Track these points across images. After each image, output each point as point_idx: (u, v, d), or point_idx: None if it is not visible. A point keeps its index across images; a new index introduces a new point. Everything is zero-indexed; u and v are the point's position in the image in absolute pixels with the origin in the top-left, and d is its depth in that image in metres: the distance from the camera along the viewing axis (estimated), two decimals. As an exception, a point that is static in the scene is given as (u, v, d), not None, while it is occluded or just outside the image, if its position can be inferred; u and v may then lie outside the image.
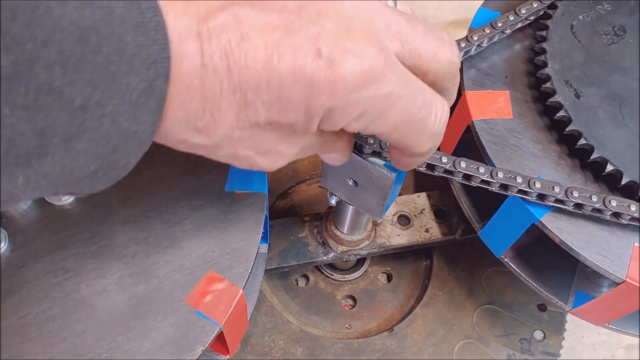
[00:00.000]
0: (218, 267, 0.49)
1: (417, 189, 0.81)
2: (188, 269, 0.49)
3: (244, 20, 0.30)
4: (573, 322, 0.84)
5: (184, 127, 0.31)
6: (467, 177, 0.50)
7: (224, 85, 0.30)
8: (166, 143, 0.33)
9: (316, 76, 0.30)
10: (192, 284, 0.48)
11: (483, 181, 0.51)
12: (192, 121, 0.31)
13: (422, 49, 0.34)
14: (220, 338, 0.49)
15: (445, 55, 0.34)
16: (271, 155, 0.35)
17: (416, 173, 0.82)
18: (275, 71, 0.30)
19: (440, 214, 0.74)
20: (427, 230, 0.73)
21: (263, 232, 0.53)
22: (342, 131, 0.35)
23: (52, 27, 0.24)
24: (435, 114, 0.34)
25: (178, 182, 0.53)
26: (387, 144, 0.45)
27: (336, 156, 0.42)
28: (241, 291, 0.48)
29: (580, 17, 0.60)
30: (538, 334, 0.73)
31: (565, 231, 0.52)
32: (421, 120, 0.34)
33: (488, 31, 0.59)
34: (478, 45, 0.59)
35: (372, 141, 0.47)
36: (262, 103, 0.31)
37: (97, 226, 0.50)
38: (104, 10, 0.26)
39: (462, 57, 0.60)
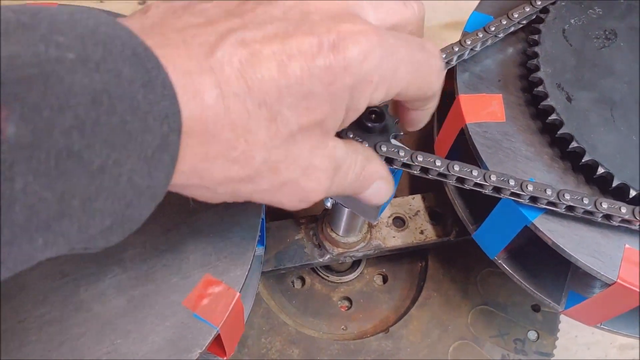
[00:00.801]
0: (215, 271, 0.50)
1: (412, 190, 0.82)
2: (185, 273, 0.49)
3: (245, 39, 0.31)
4: (567, 322, 0.85)
5: (221, 163, 0.32)
6: (460, 180, 0.51)
7: (247, 105, 0.31)
8: (205, 189, 0.34)
9: (327, 63, 0.32)
10: (189, 287, 0.49)
11: (476, 184, 0.51)
12: (227, 153, 0.32)
13: (394, 9, 0.38)
14: (217, 340, 0.50)
15: (414, 7, 0.39)
16: (312, 172, 0.36)
17: (411, 176, 0.83)
18: (291, 73, 0.32)
19: (435, 216, 0.75)
20: (422, 232, 0.73)
21: (259, 236, 0.54)
22: (369, 151, 0.40)
23: (65, 93, 0.25)
24: (429, 51, 0.38)
25: (175, 186, 0.53)
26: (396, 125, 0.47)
27: (380, 185, 0.43)
28: (238, 294, 0.49)
29: (572, 21, 0.61)
30: (532, 335, 0.74)
31: (557, 233, 0.53)
32: (426, 60, 0.38)
33: (481, 35, 0.60)
34: (471, 49, 0.60)
35: (366, 144, 0.47)
36: (289, 107, 0.32)
37: (95, 230, 0.51)
38: (111, 74, 0.26)
39: (456, 61, 0.60)
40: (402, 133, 0.49)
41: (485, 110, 0.59)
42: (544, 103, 0.56)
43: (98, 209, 0.28)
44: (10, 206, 0.24)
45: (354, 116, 0.36)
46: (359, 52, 0.33)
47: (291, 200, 0.37)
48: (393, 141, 0.49)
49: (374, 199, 0.44)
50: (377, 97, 0.36)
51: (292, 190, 0.36)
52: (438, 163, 0.50)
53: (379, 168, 0.43)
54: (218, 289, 0.49)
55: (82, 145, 0.25)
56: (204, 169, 0.32)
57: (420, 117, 0.45)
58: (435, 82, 0.39)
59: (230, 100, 0.31)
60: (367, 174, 0.41)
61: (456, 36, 0.63)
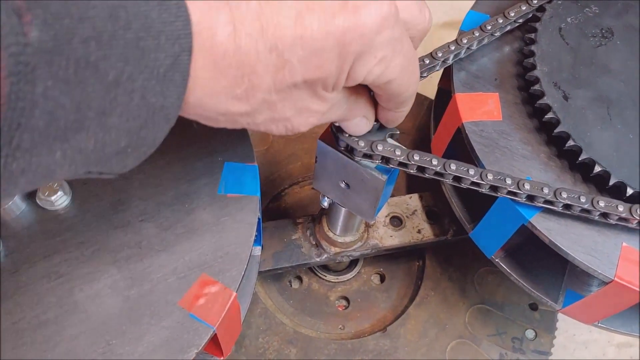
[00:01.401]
0: (211, 271, 0.50)
1: (410, 190, 0.82)
2: (181, 273, 0.49)
3: None
4: (565, 321, 0.85)
5: (224, 97, 0.33)
6: (457, 179, 0.51)
7: (259, 46, 0.32)
8: (207, 118, 0.35)
9: (345, 24, 0.33)
10: (185, 287, 0.49)
11: (473, 183, 0.51)
12: (231, 89, 0.33)
13: (411, 7, 0.39)
14: (214, 340, 0.50)
15: (426, 15, 0.41)
16: (305, 113, 0.38)
17: (408, 175, 0.83)
18: (308, 25, 0.32)
19: (432, 215, 0.75)
20: (419, 231, 0.73)
21: (256, 235, 0.53)
22: (361, 91, 0.41)
23: (84, 5, 0.25)
24: (416, 58, 0.40)
25: (170, 186, 0.53)
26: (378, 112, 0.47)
27: (361, 121, 0.45)
28: (234, 294, 0.49)
29: (569, 19, 0.61)
30: (530, 333, 0.74)
31: (555, 231, 0.53)
32: (415, 63, 0.40)
33: (477, 34, 0.60)
34: (468, 48, 0.60)
35: (362, 144, 0.47)
36: (299, 59, 0.33)
37: (90, 231, 0.51)
38: None
39: (452, 60, 0.60)
40: (397, 132, 0.49)
41: (481, 108, 0.59)
42: (540, 102, 0.56)
43: (113, 125, 0.29)
44: (31, 110, 0.25)
45: (350, 83, 0.37)
46: (377, 25, 0.34)
47: (280, 131, 0.39)
48: (389, 140, 0.49)
49: (353, 129, 0.46)
50: (374, 73, 0.36)
51: (283, 124, 0.38)
52: (434, 162, 0.50)
53: (365, 108, 0.44)
54: (214, 288, 0.49)
55: (99, 56, 0.26)
56: (209, 102, 0.33)
57: (395, 118, 0.46)
58: (414, 86, 0.41)
59: (242, 40, 0.31)
60: (353, 112, 0.43)
61: (453, 35, 0.63)
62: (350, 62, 0.35)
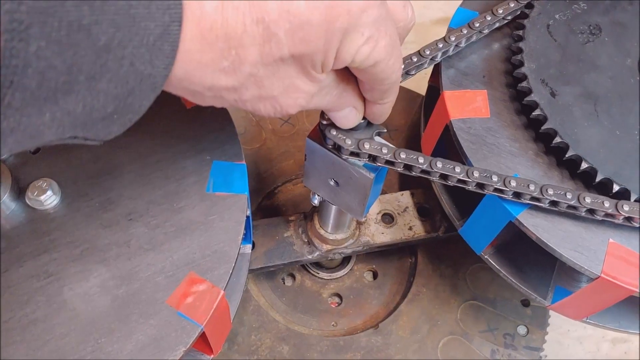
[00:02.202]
0: (199, 269, 0.50)
1: (402, 187, 0.82)
2: (170, 271, 0.50)
3: None
4: (559, 317, 0.85)
5: (210, 70, 0.33)
6: (443, 176, 0.51)
7: (246, 19, 0.32)
8: (194, 93, 0.35)
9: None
10: (173, 285, 0.49)
11: (459, 180, 0.51)
12: (218, 62, 0.33)
13: (395, 3, 0.40)
14: (203, 338, 0.50)
15: (409, 13, 0.42)
16: (292, 92, 0.38)
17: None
18: None
19: (423, 212, 0.75)
20: (410, 228, 0.73)
21: (245, 233, 0.54)
22: (351, 81, 0.41)
23: None
24: (400, 47, 0.41)
25: (159, 185, 0.54)
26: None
27: (351, 112, 0.45)
28: (222, 292, 0.49)
29: (557, 16, 0.61)
30: (521, 329, 0.74)
31: (542, 228, 0.53)
32: (399, 49, 0.40)
33: (465, 31, 0.60)
34: (456, 45, 0.60)
35: (349, 142, 0.47)
36: (285, 32, 0.33)
37: (79, 230, 0.51)
38: None
39: (440, 57, 0.60)
40: (385, 130, 0.50)
41: (469, 106, 0.59)
42: (527, 98, 0.57)
43: (102, 90, 0.29)
44: (24, 69, 0.25)
45: (339, 64, 0.38)
46: (364, 2, 0.34)
47: (268, 111, 0.39)
48: (377, 138, 0.49)
49: (342, 121, 0.46)
50: (363, 53, 0.37)
51: (271, 103, 0.38)
52: (421, 160, 0.50)
53: (354, 98, 0.44)
54: (202, 287, 0.49)
55: (91, 21, 0.27)
56: (195, 75, 0.34)
57: (381, 111, 0.46)
58: (398, 72, 0.42)
59: (229, 12, 0.32)
60: (343, 99, 0.43)
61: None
62: (338, 39, 0.35)
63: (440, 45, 0.59)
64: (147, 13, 0.29)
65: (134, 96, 0.31)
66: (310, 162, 0.53)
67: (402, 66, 0.43)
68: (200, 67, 0.33)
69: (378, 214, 0.74)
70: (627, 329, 0.61)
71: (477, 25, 0.60)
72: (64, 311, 0.47)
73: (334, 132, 0.48)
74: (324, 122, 0.48)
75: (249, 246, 0.62)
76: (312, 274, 0.77)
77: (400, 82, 0.57)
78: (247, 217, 0.55)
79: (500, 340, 0.73)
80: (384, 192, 0.78)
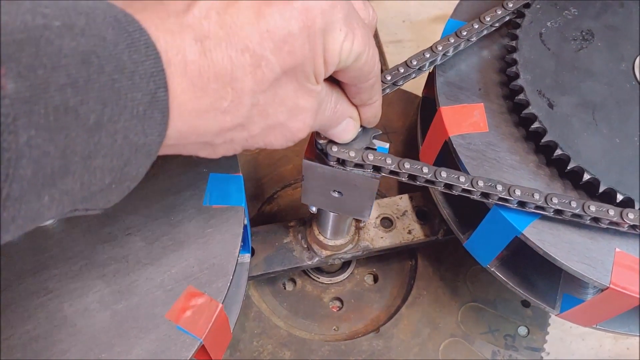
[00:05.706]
0: (197, 282, 0.50)
1: (401, 190, 0.82)
2: (168, 285, 0.50)
3: None
4: (560, 314, 0.85)
5: (212, 115, 0.34)
6: (448, 186, 0.51)
7: (230, 53, 0.33)
8: (204, 145, 0.36)
9: (304, 5, 0.34)
10: (172, 299, 0.49)
11: (464, 190, 0.51)
12: (217, 104, 0.34)
13: (356, 3, 0.40)
14: (204, 350, 0.50)
15: (370, 11, 0.43)
16: (298, 114, 0.38)
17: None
18: (269, 15, 0.33)
19: (422, 215, 0.75)
20: (409, 232, 0.74)
21: (242, 244, 0.54)
22: (341, 90, 0.42)
23: (56, 54, 0.26)
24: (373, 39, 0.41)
25: (156, 199, 0.54)
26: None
27: (349, 123, 0.45)
28: (220, 305, 0.49)
29: (549, 23, 0.60)
30: (522, 330, 0.74)
31: (548, 242, 0.53)
32: (372, 39, 0.40)
33: (452, 40, 0.59)
34: (444, 54, 0.59)
35: (353, 154, 0.48)
36: (271, 52, 0.34)
37: (77, 246, 0.51)
38: (96, 38, 0.28)
39: (428, 67, 0.59)
40: (380, 132, 0.50)
41: (467, 121, 0.58)
42: (525, 111, 0.56)
43: (98, 166, 0.29)
44: (17, 160, 0.26)
45: (329, 69, 0.38)
46: (330, 2, 0.35)
47: (280, 141, 0.40)
48: (375, 141, 0.49)
49: (342, 135, 0.46)
50: (346, 48, 0.37)
51: (281, 131, 0.39)
52: (425, 170, 0.50)
53: (349, 107, 0.45)
54: (201, 300, 0.49)
55: (77, 102, 0.27)
56: (200, 125, 0.34)
57: (374, 112, 0.47)
58: (378, 63, 0.42)
59: (213, 53, 0.32)
60: (339, 111, 0.44)
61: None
62: (321, 42, 0.36)
63: (427, 55, 0.58)
64: (132, 84, 0.29)
65: (130, 166, 0.31)
66: (309, 181, 0.53)
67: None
68: (201, 115, 0.33)
69: (377, 218, 0.74)
70: (637, 333, 0.61)
71: (464, 33, 0.59)
72: (64, 327, 0.48)
73: (335, 149, 0.48)
74: (321, 142, 0.48)
75: (248, 255, 0.62)
76: (313, 279, 0.78)
77: (389, 93, 0.57)
78: (245, 225, 0.56)
79: (501, 341, 0.73)
80: (383, 196, 0.78)
